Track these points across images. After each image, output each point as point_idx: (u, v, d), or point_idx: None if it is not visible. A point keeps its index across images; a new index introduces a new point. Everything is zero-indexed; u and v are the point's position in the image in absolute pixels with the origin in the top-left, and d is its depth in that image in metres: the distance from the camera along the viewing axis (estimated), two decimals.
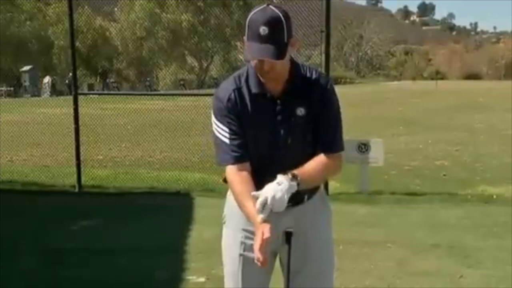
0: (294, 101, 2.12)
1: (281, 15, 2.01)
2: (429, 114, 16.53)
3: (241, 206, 2.10)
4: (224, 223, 2.34)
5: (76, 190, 6.76)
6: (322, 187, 2.33)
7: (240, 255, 2.24)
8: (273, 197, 1.93)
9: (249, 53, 2.03)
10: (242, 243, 2.23)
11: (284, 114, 2.12)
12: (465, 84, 33.51)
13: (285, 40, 2.01)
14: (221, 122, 2.13)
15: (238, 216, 2.19)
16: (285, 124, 2.12)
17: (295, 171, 2.01)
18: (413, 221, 5.50)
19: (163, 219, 5.59)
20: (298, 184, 2.00)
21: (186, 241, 4.84)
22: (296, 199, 2.09)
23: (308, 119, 2.13)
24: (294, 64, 2.14)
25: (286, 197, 1.95)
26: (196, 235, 4.99)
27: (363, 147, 6.54)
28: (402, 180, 7.43)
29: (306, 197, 2.19)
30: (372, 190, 6.62)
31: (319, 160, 2.13)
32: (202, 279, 4.02)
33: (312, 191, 2.22)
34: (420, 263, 4.31)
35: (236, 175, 2.10)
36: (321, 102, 2.13)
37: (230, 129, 2.11)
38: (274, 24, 2.00)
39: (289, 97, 2.11)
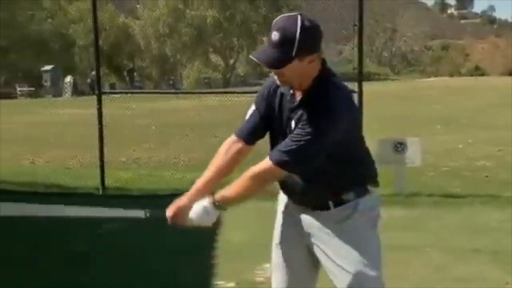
0: (298, 113, 2.13)
1: (299, 29, 2.00)
2: (469, 112, 16.03)
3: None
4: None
5: (100, 192, 6.70)
6: (361, 196, 2.24)
7: (277, 244, 2.39)
8: (198, 221, 2.24)
9: (253, 53, 2.16)
10: (278, 233, 2.38)
11: (288, 122, 2.18)
12: (508, 80, 32.49)
13: (293, 53, 2.01)
14: (254, 103, 2.31)
15: (279, 210, 2.39)
16: (284, 131, 2.19)
17: (217, 196, 2.21)
18: (453, 224, 5.28)
19: None
20: (220, 207, 2.21)
21: (214, 245, 4.71)
22: (318, 204, 2.23)
23: None
24: (321, 77, 2.13)
25: (210, 220, 2.23)
26: (224, 239, 4.84)
27: (400, 147, 6.25)
28: (440, 181, 7.15)
29: (331, 203, 2.22)
30: (409, 192, 6.37)
31: (245, 174, 2.19)
32: (231, 284, 3.90)
33: (337, 198, 2.22)
34: (461, 269, 4.10)
35: (225, 146, 2.32)
36: (305, 117, 2.10)
37: (253, 111, 2.30)
38: (286, 34, 2.01)
39: (300, 108, 2.14)
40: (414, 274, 4.04)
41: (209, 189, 2.28)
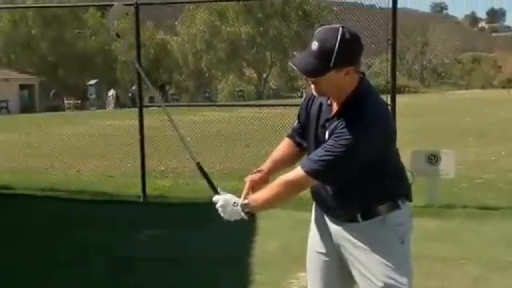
0: (333, 124, 2.13)
1: (338, 41, 2.01)
2: (502, 124, 15.56)
3: None
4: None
5: (142, 200, 6.87)
6: (390, 211, 2.23)
7: (311, 253, 2.44)
8: (223, 211, 2.27)
9: (292, 59, 2.18)
10: (312, 242, 2.41)
11: (322, 132, 2.18)
12: None
13: (330, 64, 2.02)
14: (299, 112, 2.40)
15: (313, 219, 2.41)
16: (318, 141, 2.20)
17: (248, 199, 2.24)
18: (488, 236, 5.21)
19: (225, 229, 5.47)
20: (248, 213, 2.23)
21: (250, 252, 4.79)
22: (346, 215, 2.23)
23: None
24: (358, 90, 2.13)
25: (233, 217, 2.25)
26: (259, 246, 4.93)
27: (433, 159, 6.22)
28: (474, 193, 7.03)
29: (359, 216, 2.21)
30: (442, 204, 6.30)
31: (276, 181, 2.21)
32: None
33: (367, 211, 2.21)
34: (498, 281, 4.06)
35: (281, 143, 2.47)
36: (339, 129, 2.10)
37: (297, 118, 2.41)
38: (325, 45, 2.02)
39: (335, 119, 2.13)
40: (451, 285, 4.01)
41: (279, 166, 2.42)
